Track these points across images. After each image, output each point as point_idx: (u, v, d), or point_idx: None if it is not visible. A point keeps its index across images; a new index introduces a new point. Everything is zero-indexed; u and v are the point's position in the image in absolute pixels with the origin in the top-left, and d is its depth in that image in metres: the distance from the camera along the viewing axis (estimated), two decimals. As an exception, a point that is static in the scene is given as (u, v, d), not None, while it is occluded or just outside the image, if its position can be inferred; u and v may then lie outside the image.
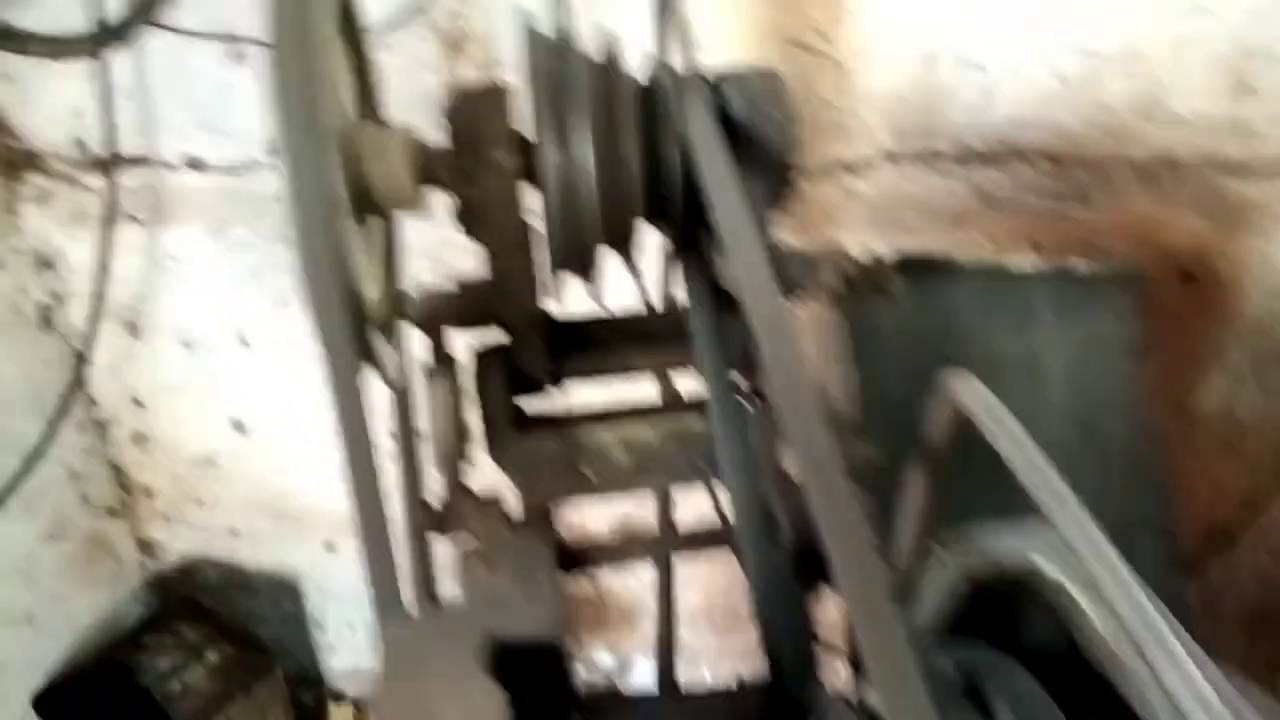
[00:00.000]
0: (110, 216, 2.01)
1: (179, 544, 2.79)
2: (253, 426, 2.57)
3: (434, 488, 1.03)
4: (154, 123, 2.09)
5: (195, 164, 2.16)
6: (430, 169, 0.92)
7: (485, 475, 1.04)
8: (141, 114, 2.08)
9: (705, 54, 1.89)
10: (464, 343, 1.05)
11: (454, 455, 1.00)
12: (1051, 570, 0.72)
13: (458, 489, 1.01)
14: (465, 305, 1.01)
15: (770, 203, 0.95)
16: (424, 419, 1.01)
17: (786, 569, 0.93)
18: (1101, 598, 0.68)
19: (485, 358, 1.04)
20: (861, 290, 1.06)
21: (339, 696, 2.86)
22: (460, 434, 1.00)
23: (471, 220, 0.94)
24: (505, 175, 0.91)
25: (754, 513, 0.92)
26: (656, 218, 0.97)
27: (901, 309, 1.39)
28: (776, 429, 1.03)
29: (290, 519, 2.71)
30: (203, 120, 2.09)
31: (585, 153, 0.87)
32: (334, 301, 0.77)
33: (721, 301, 1.01)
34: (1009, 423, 0.66)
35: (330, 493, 2.64)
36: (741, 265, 0.81)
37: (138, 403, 2.58)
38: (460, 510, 1.00)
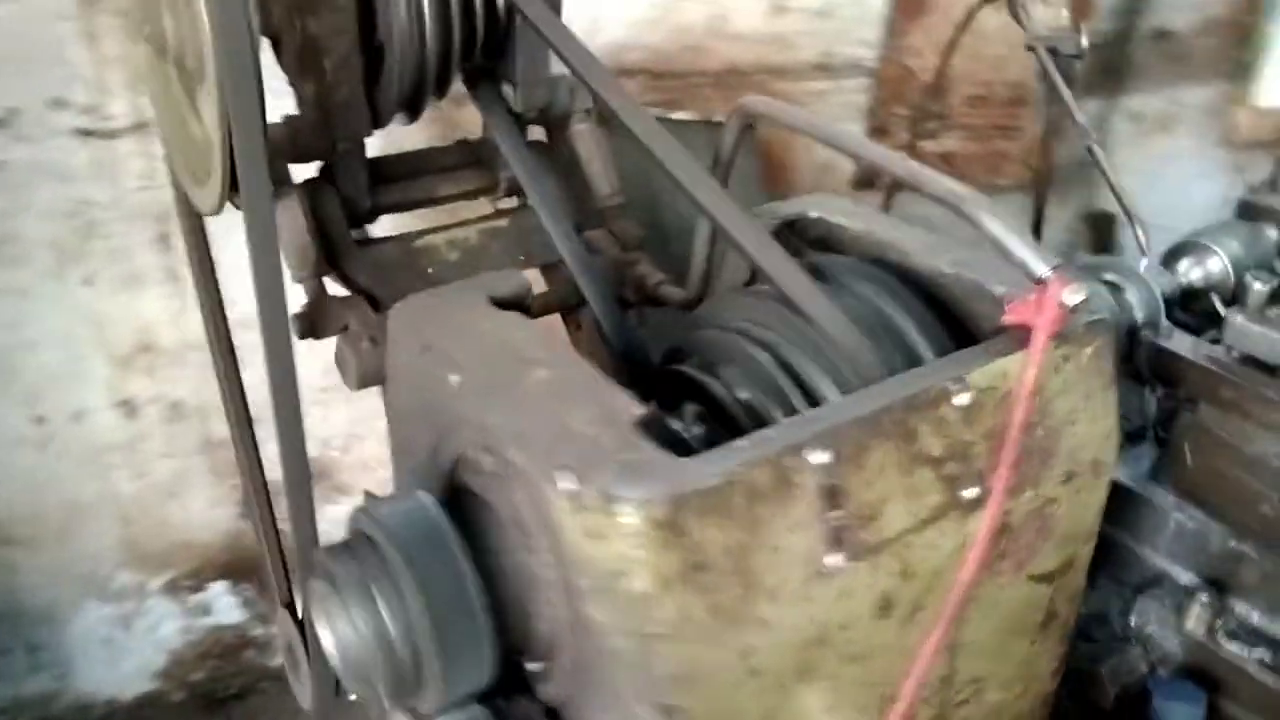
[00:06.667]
0: None
1: None
2: None
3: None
4: None
5: None
6: (269, 9, 1.07)
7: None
8: None
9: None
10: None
11: (313, 266, 1.16)
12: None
13: (322, 294, 1.17)
14: (299, 138, 1.16)
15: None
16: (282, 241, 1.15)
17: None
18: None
19: (314, 184, 1.20)
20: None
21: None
22: (316, 244, 1.16)
23: (309, 55, 1.10)
24: (345, 9, 1.09)
25: (579, 250, 1.20)
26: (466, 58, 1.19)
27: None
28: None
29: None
30: None
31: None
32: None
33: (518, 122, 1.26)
34: (796, 111, 1.00)
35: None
36: (591, 76, 1.08)
37: None
38: (330, 309, 1.16)
